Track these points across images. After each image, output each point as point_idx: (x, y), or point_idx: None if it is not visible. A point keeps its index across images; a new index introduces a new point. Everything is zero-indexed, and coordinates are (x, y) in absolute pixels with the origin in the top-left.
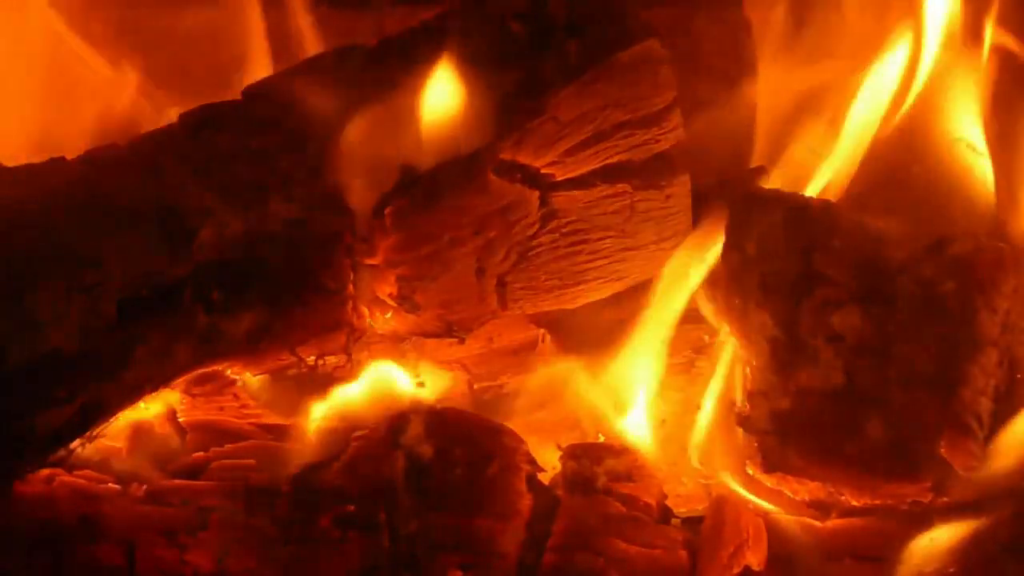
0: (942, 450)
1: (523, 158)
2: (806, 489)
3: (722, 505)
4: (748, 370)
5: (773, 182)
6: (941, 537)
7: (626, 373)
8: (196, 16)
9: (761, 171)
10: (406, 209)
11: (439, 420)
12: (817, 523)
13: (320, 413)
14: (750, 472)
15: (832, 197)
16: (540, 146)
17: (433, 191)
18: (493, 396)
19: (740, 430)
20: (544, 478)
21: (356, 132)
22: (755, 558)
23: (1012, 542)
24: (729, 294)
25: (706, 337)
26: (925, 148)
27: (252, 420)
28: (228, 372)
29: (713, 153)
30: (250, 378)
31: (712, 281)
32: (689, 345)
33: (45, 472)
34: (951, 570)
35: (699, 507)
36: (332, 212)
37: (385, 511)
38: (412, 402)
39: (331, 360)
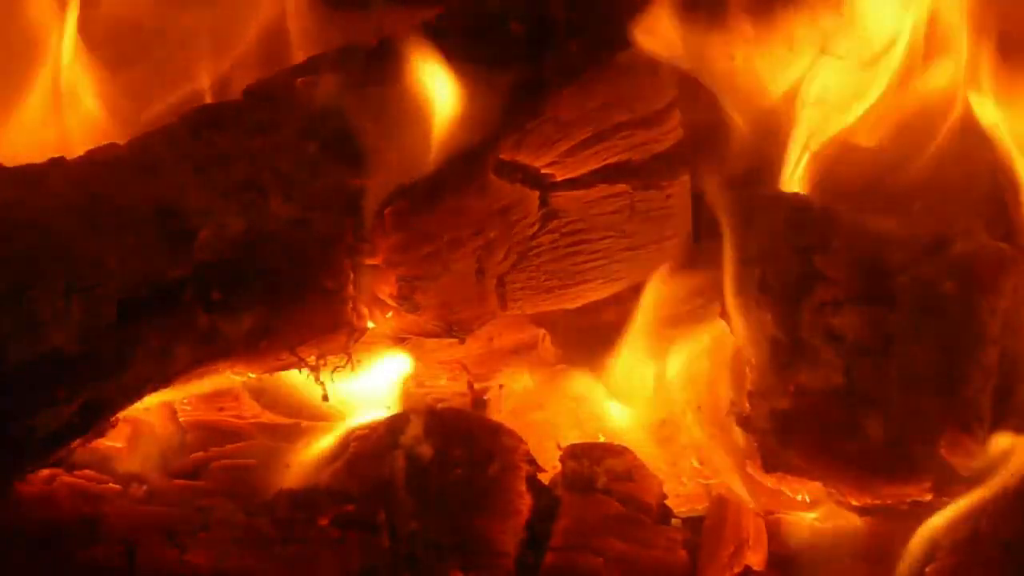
0: (942, 450)
1: (523, 158)
2: (806, 489)
3: (722, 505)
4: (748, 370)
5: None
6: (941, 536)
7: (626, 373)
8: (196, 16)
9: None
10: (406, 209)
11: (439, 420)
12: (817, 523)
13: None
14: (750, 472)
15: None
16: (540, 146)
17: (433, 191)
18: (493, 396)
19: (740, 430)
20: (544, 478)
21: (356, 132)
22: (755, 558)
23: (1012, 541)
24: (729, 294)
25: (706, 337)
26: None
27: (252, 420)
28: (228, 372)
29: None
30: (250, 378)
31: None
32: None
33: (45, 472)
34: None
35: (699, 507)
36: (332, 212)
37: (385, 511)
38: (412, 402)
39: (331, 360)
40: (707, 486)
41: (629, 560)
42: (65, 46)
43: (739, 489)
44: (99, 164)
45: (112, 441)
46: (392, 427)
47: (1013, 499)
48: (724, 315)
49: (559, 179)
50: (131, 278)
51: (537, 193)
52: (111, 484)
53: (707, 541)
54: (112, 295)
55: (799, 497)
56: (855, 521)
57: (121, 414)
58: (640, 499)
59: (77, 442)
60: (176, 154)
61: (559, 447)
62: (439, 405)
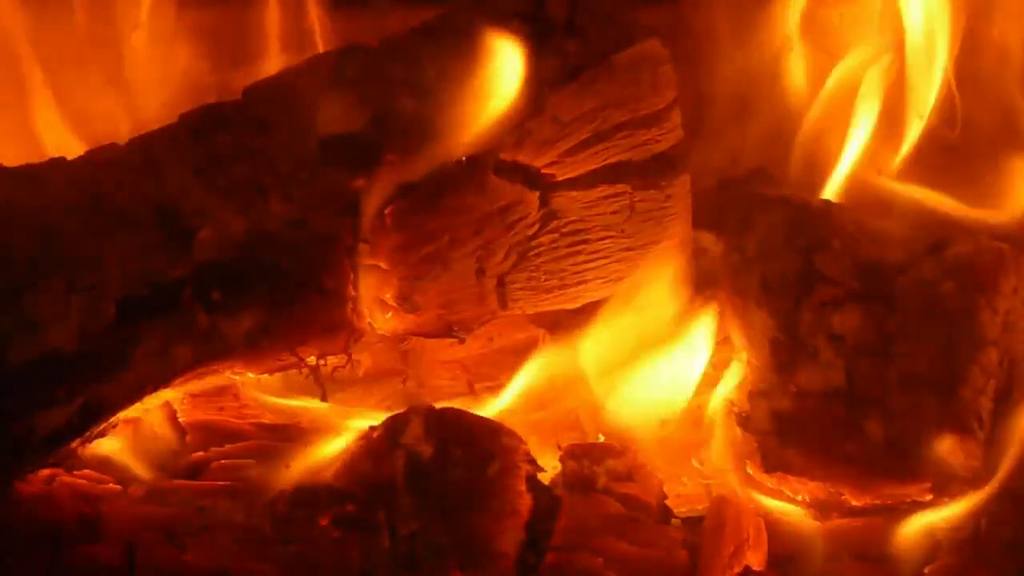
0: (942, 450)
1: (523, 158)
2: (806, 489)
3: (722, 505)
4: (748, 370)
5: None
6: (941, 537)
7: (626, 373)
8: (196, 16)
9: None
10: (406, 209)
11: (439, 420)
12: (817, 523)
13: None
14: (750, 472)
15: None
16: (540, 146)
17: (433, 191)
18: (493, 396)
19: (740, 430)
20: (544, 478)
21: (356, 132)
22: (755, 558)
23: (1012, 541)
24: (729, 294)
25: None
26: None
27: (252, 420)
28: (228, 372)
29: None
30: (253, 378)
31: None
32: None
33: (45, 472)
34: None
35: (699, 507)
36: (332, 212)
37: (385, 511)
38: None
39: (331, 360)
40: (707, 486)
41: (629, 560)
42: None
43: (739, 489)
44: (99, 164)
45: (112, 441)
46: (392, 427)
47: (1013, 499)
48: (724, 315)
49: (559, 179)
50: (131, 278)
51: (537, 193)
52: (111, 484)
53: (707, 541)
54: (112, 295)
55: (799, 497)
56: (855, 521)
57: (121, 414)
58: (640, 499)
59: (77, 442)
60: (176, 154)
61: (559, 447)
62: (439, 405)
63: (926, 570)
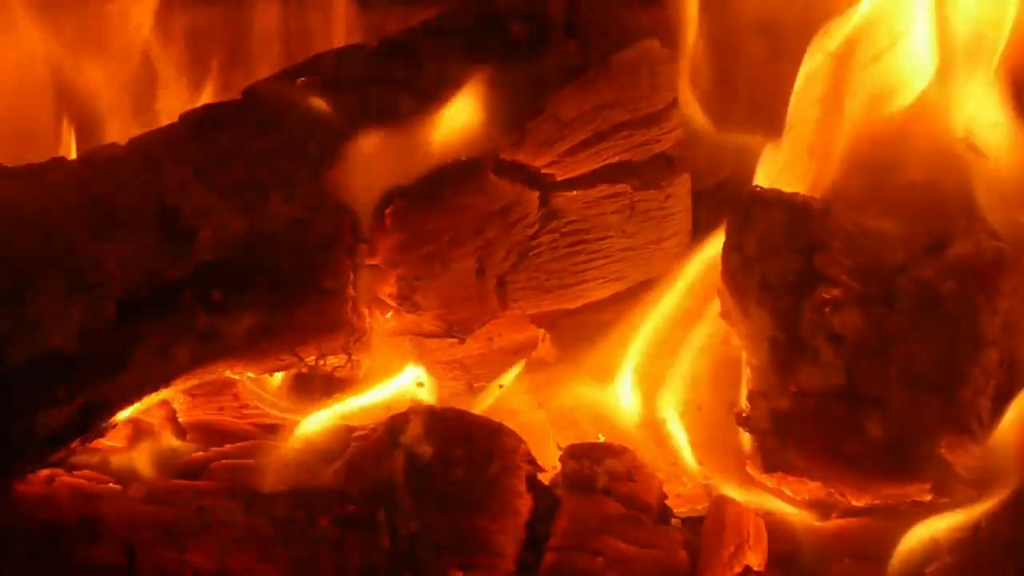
0: (942, 450)
1: (523, 158)
2: (806, 489)
3: (722, 505)
4: (748, 370)
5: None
6: (941, 537)
7: (626, 373)
8: (199, 16)
9: None
10: (406, 209)
11: (439, 420)
12: (817, 523)
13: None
14: (750, 472)
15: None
16: (540, 146)
17: (433, 191)
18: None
19: (740, 430)
20: (544, 478)
21: (356, 132)
22: (755, 558)
23: (1012, 541)
24: (729, 294)
25: (706, 337)
26: (923, 148)
27: (252, 420)
28: (228, 372)
29: None
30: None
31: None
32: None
33: (45, 472)
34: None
35: (699, 507)
36: (332, 212)
37: (385, 511)
38: (412, 402)
39: (331, 360)
40: (707, 486)
41: (629, 560)
42: None
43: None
44: (99, 164)
45: (112, 441)
46: (392, 427)
47: (1013, 499)
48: (724, 315)
49: (559, 179)
50: (131, 278)
51: (537, 193)
52: (111, 484)
53: (707, 541)
54: (112, 295)
55: (799, 497)
56: (855, 521)
57: (121, 414)
58: (640, 499)
59: (77, 442)
60: (176, 154)
61: (559, 447)
62: (439, 405)
63: (926, 570)
